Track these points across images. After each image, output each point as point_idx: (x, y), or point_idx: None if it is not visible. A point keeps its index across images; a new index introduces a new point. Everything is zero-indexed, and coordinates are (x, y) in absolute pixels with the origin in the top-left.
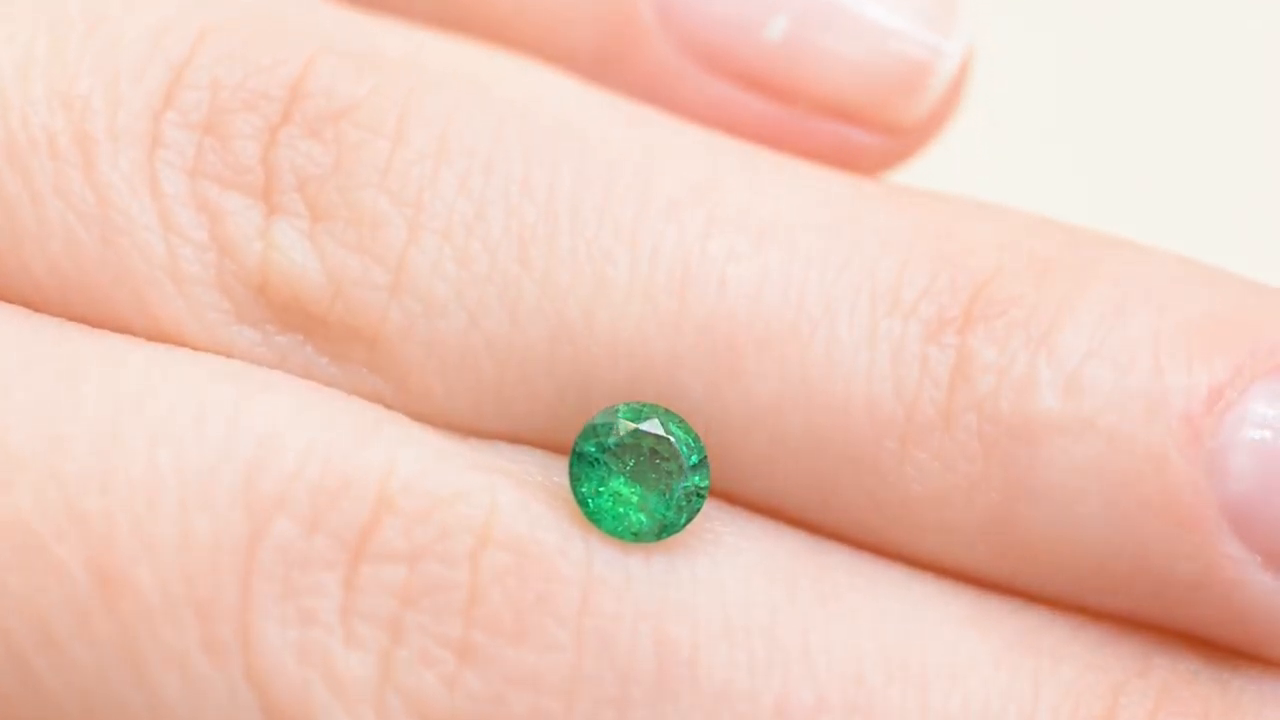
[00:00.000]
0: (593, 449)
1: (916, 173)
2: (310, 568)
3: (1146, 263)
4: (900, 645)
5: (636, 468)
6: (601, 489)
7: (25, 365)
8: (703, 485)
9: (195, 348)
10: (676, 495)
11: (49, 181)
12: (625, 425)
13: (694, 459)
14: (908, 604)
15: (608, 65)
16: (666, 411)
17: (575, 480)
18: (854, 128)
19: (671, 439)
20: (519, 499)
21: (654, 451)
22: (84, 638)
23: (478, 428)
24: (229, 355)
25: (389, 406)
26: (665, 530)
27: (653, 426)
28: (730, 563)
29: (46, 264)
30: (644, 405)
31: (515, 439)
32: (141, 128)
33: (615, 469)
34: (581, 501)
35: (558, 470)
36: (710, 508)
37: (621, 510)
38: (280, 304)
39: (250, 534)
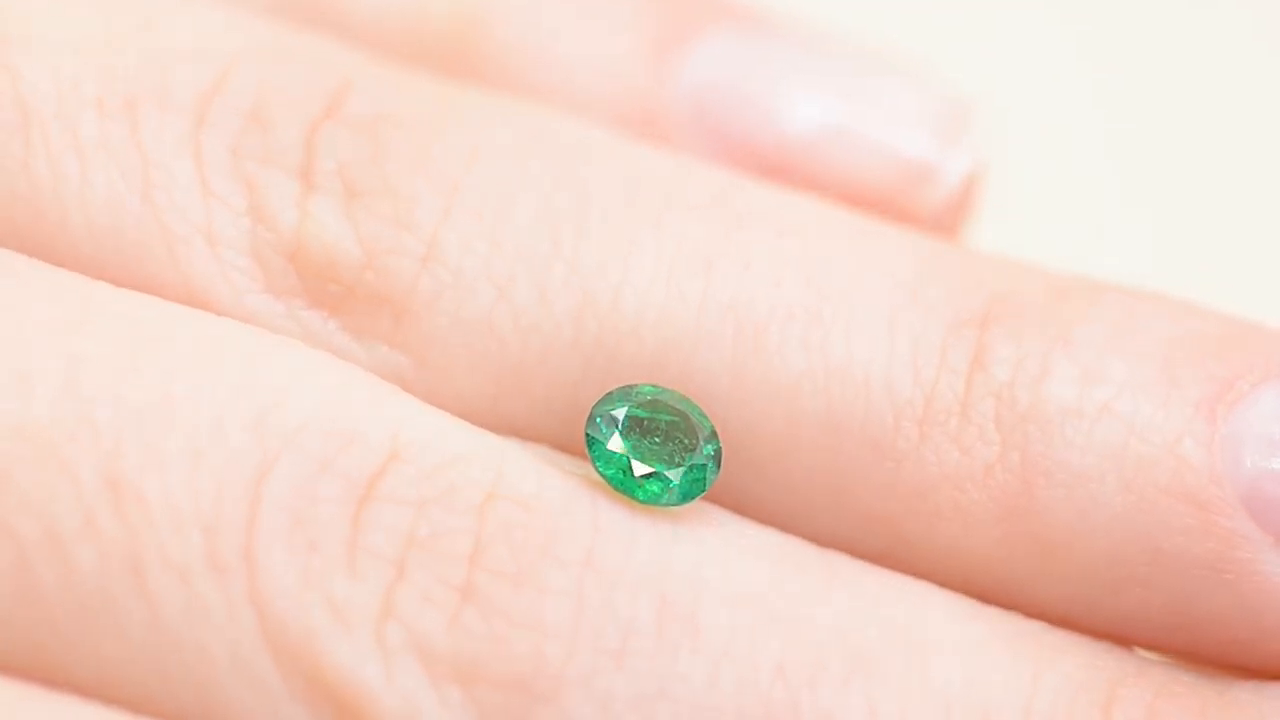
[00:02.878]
0: (609, 416)
1: None
2: (318, 502)
3: (1154, 294)
4: (904, 622)
5: (651, 441)
6: (614, 455)
7: (44, 298)
8: (713, 471)
9: (221, 314)
10: (687, 472)
11: (95, 136)
12: (645, 397)
13: (707, 449)
14: (913, 594)
15: None
16: (685, 397)
17: (590, 444)
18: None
19: (687, 415)
20: (527, 463)
21: (670, 425)
22: (89, 541)
23: (494, 416)
24: (253, 324)
25: (408, 389)
26: (670, 505)
27: (672, 402)
28: (736, 541)
29: (86, 217)
30: (664, 388)
31: (531, 435)
32: (188, 105)
33: (631, 438)
34: (594, 464)
35: (568, 463)
36: (718, 511)
37: (631, 479)
38: (311, 271)
39: (260, 465)
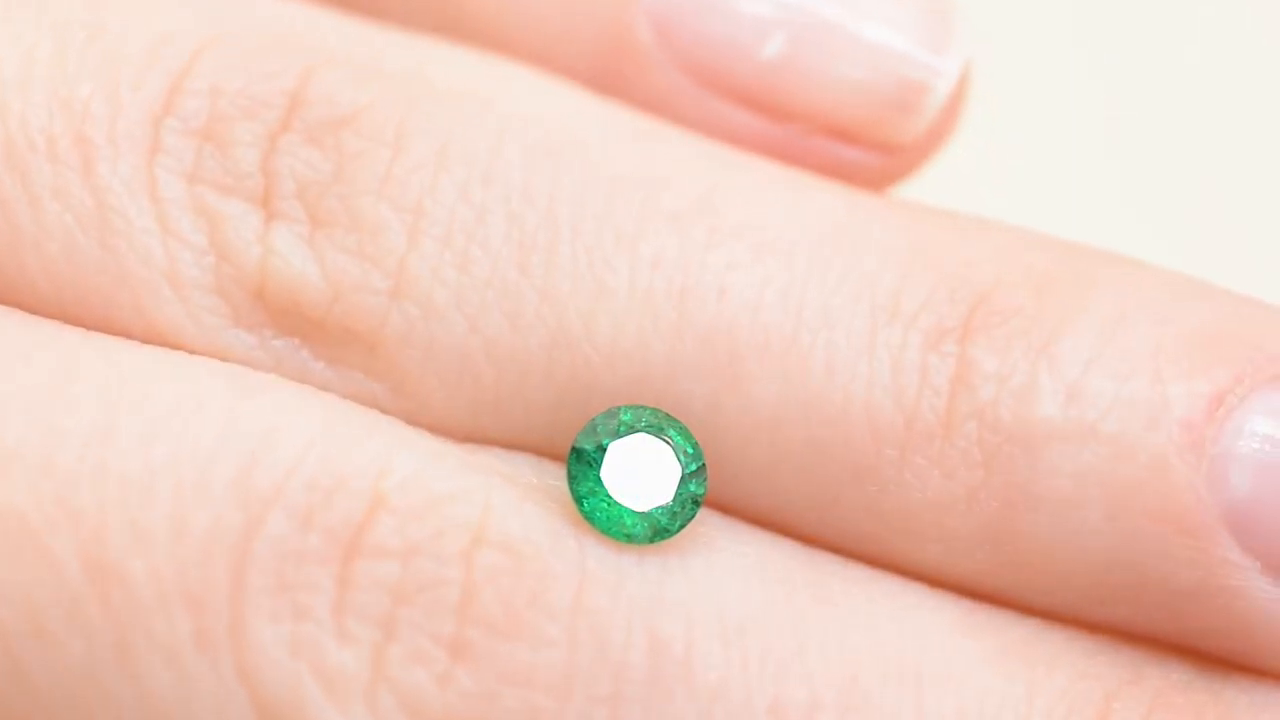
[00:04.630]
0: (591, 448)
1: (914, 186)
2: (304, 563)
3: (1145, 277)
4: (895, 648)
5: (633, 473)
6: (597, 488)
7: (19, 361)
8: (699, 493)
9: (192, 352)
10: (670, 504)
11: (48, 184)
12: (626, 426)
13: (692, 466)
14: (903, 609)
15: (606, 83)
16: (668, 416)
17: (572, 479)
18: (851, 146)
19: (671, 443)
20: (513, 500)
21: (652, 455)
22: (75, 629)
23: (474, 434)
24: (225, 359)
25: (385, 412)
26: (658, 535)
27: (653, 429)
28: (725, 565)
29: (44, 267)
30: (646, 408)
31: (511, 446)
32: (141, 133)
33: (610, 474)
34: (577, 500)
35: (552, 474)
36: (706, 515)
37: (616, 511)
38: (278, 308)
39: (244, 528)
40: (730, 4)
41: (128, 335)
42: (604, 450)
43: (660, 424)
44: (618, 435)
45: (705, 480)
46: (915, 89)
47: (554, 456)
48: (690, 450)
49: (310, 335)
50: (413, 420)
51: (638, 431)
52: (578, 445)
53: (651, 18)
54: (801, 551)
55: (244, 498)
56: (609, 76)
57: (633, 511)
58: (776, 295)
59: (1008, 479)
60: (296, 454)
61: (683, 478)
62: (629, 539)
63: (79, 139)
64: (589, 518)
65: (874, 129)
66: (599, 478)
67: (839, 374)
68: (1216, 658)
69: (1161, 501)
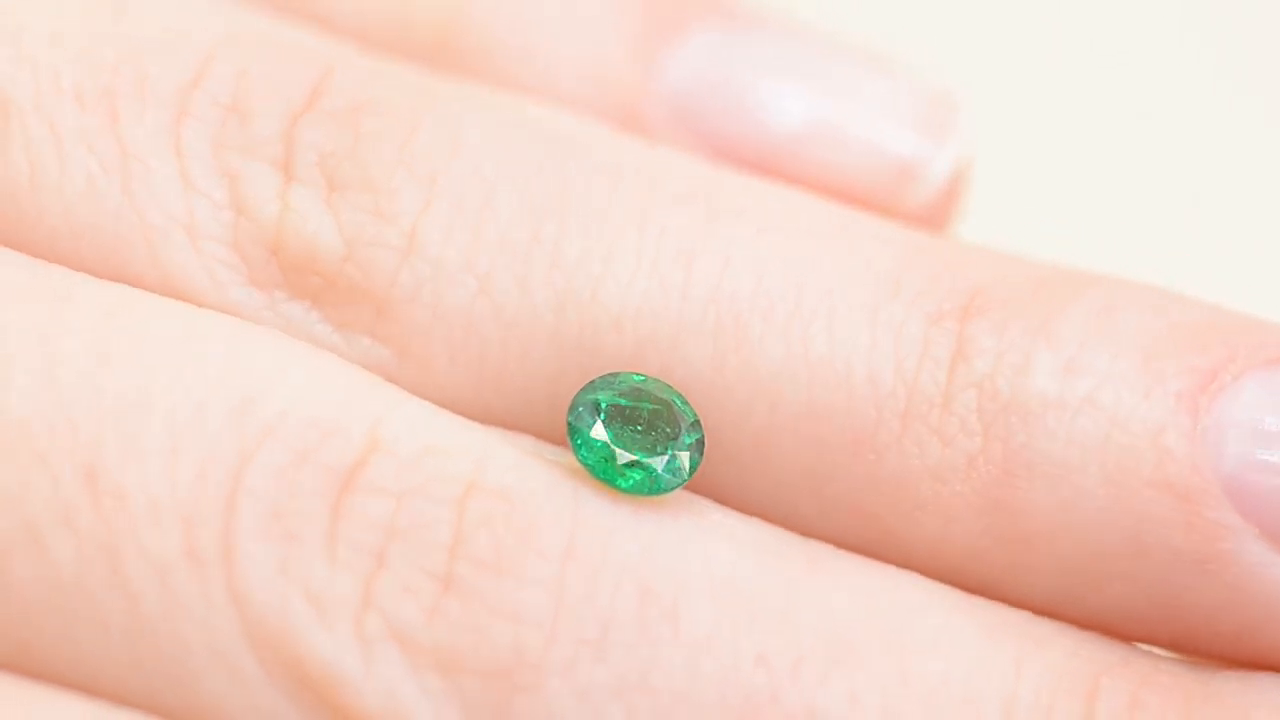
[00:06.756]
0: (592, 404)
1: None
2: (298, 493)
3: (1135, 285)
4: (885, 613)
5: (633, 429)
6: (596, 443)
7: (24, 292)
8: (695, 460)
9: (203, 307)
10: (670, 461)
11: (74, 128)
12: (628, 385)
13: (689, 437)
14: (894, 584)
15: None
16: (669, 385)
17: (571, 432)
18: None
19: (671, 404)
20: (509, 454)
21: (654, 414)
22: (67, 535)
23: (478, 405)
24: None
25: (391, 380)
26: (653, 491)
27: (654, 390)
28: (718, 530)
29: (65, 209)
30: (649, 376)
31: (515, 424)
32: (169, 97)
33: (613, 426)
34: (575, 451)
35: (550, 452)
36: (700, 500)
37: (612, 467)
38: (292, 264)
39: (239, 456)
40: (739, 97)
41: (142, 285)
42: (604, 406)
43: (661, 387)
44: (618, 392)
45: (702, 451)
46: (909, 177)
47: (554, 440)
48: (689, 416)
49: (321, 296)
50: (417, 391)
51: (638, 389)
52: (578, 400)
53: (664, 101)
54: (794, 535)
55: (241, 427)
56: None
57: (630, 468)
58: (780, 266)
59: (1005, 445)
60: (295, 395)
61: (682, 441)
62: (623, 492)
63: (108, 91)
64: (587, 469)
65: (878, 201)
66: (597, 432)
67: (841, 342)
68: (1209, 654)
69: (1157, 468)
